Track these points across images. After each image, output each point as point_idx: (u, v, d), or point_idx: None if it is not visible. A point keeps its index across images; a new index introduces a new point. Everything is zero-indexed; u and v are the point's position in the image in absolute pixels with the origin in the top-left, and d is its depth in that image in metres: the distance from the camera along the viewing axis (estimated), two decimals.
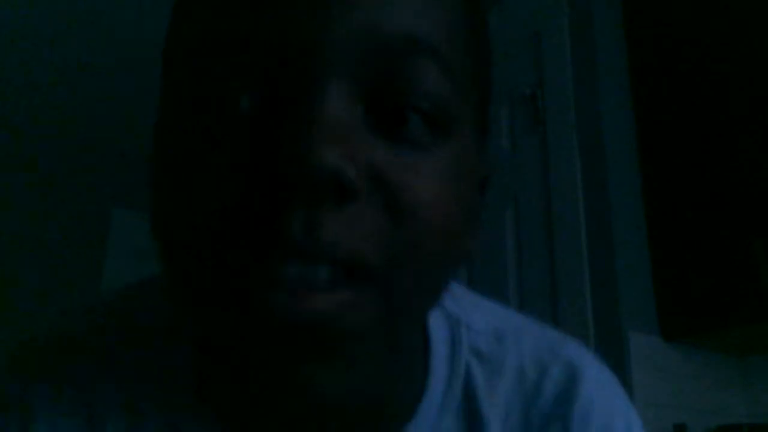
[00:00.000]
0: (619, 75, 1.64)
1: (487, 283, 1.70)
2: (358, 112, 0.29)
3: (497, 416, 0.40)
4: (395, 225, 0.28)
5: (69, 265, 2.75)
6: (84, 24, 2.18)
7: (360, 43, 0.28)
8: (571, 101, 1.61)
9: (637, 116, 1.61)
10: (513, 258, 1.67)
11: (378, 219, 0.28)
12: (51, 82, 2.51)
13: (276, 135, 0.27)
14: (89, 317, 0.46)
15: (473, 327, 0.43)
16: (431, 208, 0.29)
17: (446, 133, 0.31)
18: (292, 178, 0.26)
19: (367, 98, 0.29)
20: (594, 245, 1.49)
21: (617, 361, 1.38)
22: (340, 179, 0.26)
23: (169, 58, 0.34)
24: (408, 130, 0.29)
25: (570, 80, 1.63)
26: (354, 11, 0.28)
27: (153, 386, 0.40)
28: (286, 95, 0.28)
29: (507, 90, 1.81)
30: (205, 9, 0.30)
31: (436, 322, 0.43)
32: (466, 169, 0.33)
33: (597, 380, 0.43)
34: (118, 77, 2.47)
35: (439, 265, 0.31)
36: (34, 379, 0.41)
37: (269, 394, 0.30)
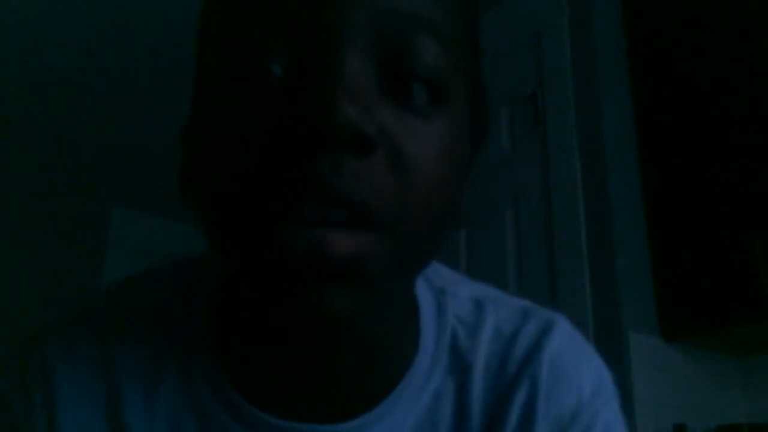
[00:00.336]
0: (619, 75, 1.64)
1: (487, 282, 1.70)
2: (372, 77, 0.33)
3: (479, 368, 0.45)
4: (401, 182, 0.33)
5: (69, 265, 2.75)
6: (84, 24, 2.18)
7: (374, 19, 0.33)
8: (571, 101, 1.62)
9: (637, 116, 1.61)
10: (513, 258, 1.67)
11: (386, 175, 0.33)
12: (51, 82, 2.51)
13: (305, 94, 0.31)
14: (106, 295, 0.50)
15: (456, 295, 0.49)
16: (431, 170, 0.34)
17: (444, 100, 0.36)
18: (320, 130, 0.30)
19: (378, 66, 0.34)
20: (594, 245, 1.49)
21: (617, 361, 1.38)
22: (361, 133, 0.31)
23: (206, 35, 0.39)
24: (412, 98, 0.34)
25: (570, 80, 1.63)
26: (376, 15, 0.33)
27: (170, 356, 0.44)
28: (312, 62, 0.33)
29: (507, 90, 1.81)
30: None
31: (423, 292, 0.48)
32: (460, 133, 0.38)
33: (566, 333, 0.47)
34: (118, 77, 2.47)
35: (437, 217, 0.36)
36: (54, 350, 0.44)
37: (294, 316, 0.34)
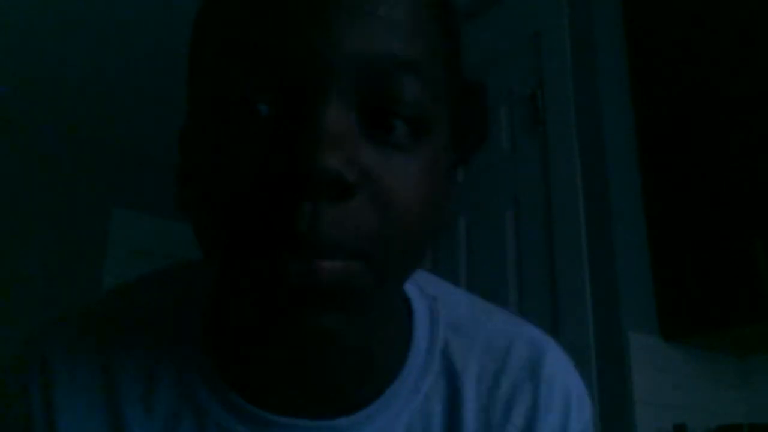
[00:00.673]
0: (619, 75, 1.64)
1: (487, 283, 1.70)
2: (353, 121, 0.35)
3: (471, 377, 0.47)
4: (383, 216, 0.35)
5: (69, 265, 2.75)
6: (85, 24, 2.18)
7: (354, 62, 0.34)
8: (571, 101, 1.61)
9: (637, 116, 1.61)
10: (513, 258, 1.67)
11: (369, 212, 0.35)
12: (51, 82, 2.51)
13: (289, 141, 0.33)
14: (105, 299, 0.51)
15: (448, 303, 0.51)
16: (413, 201, 0.36)
17: (426, 133, 0.37)
18: (302, 178, 0.32)
19: (360, 108, 0.35)
20: (594, 245, 1.49)
21: (617, 361, 1.38)
22: (341, 180, 0.33)
23: (196, 66, 0.40)
24: (394, 136, 0.36)
25: (570, 80, 1.63)
26: (350, 37, 0.34)
27: (168, 358, 0.45)
28: (296, 108, 0.34)
29: (507, 90, 1.81)
30: (228, 28, 0.37)
31: (416, 298, 0.50)
32: (441, 161, 0.39)
33: (558, 357, 0.51)
34: (118, 77, 2.47)
35: (419, 240, 0.38)
36: (53, 351, 0.46)
37: (289, 334, 0.37)
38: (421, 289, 0.51)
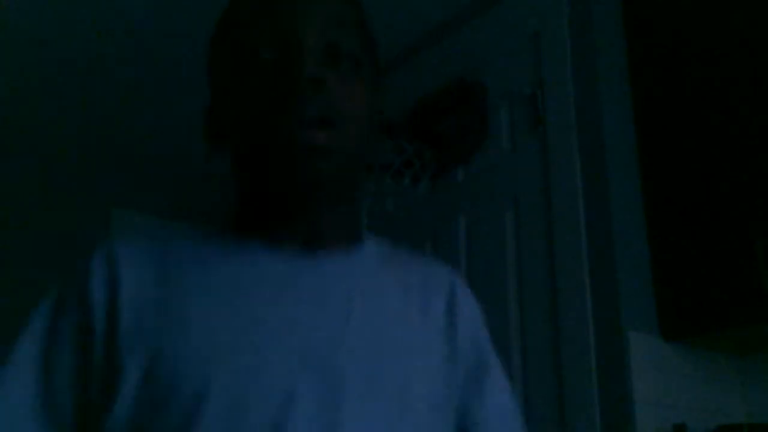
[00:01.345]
0: (619, 75, 1.64)
1: (487, 282, 1.70)
2: (324, 57, 0.64)
3: (411, 260, 0.77)
4: (341, 104, 0.63)
5: (69, 265, 2.75)
6: (85, 23, 2.18)
7: (323, 36, 0.65)
8: (571, 101, 1.62)
9: (637, 116, 1.61)
10: (513, 258, 1.67)
11: (334, 100, 0.62)
12: (51, 82, 2.51)
13: (292, 70, 0.62)
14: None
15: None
16: (356, 98, 0.65)
17: (359, 70, 0.67)
18: (305, 83, 0.61)
19: (326, 50, 0.64)
20: (594, 245, 1.49)
21: (617, 361, 1.38)
22: (321, 80, 0.61)
23: (217, 46, 0.71)
24: (343, 68, 0.65)
25: (570, 80, 1.63)
26: (321, 24, 0.65)
27: (209, 235, 0.69)
28: (290, 55, 0.63)
29: (507, 90, 1.81)
30: (246, 17, 0.67)
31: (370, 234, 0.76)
32: (368, 86, 0.68)
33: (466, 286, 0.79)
34: (119, 77, 2.47)
35: (362, 125, 0.66)
36: (115, 240, 0.67)
37: (299, 177, 0.62)
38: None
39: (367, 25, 0.71)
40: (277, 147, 0.61)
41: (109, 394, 0.58)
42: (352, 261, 0.69)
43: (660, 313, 1.47)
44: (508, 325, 1.61)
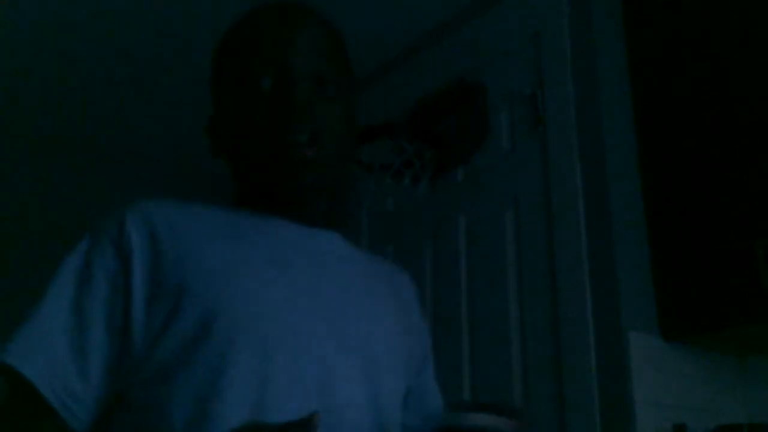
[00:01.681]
0: (619, 75, 1.64)
1: (487, 283, 1.70)
2: (311, 87, 0.77)
3: (372, 256, 0.94)
4: (325, 125, 0.77)
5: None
6: (85, 24, 2.18)
7: (310, 66, 0.78)
8: (571, 101, 1.61)
9: (636, 116, 1.61)
10: (513, 258, 1.67)
11: (320, 123, 0.76)
12: (52, 83, 2.51)
13: (286, 101, 0.76)
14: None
15: None
16: (337, 121, 0.79)
17: (339, 92, 0.80)
18: (297, 110, 0.75)
19: (312, 80, 0.77)
20: (594, 245, 1.49)
21: (617, 361, 1.38)
22: (307, 113, 0.76)
23: (220, 68, 0.84)
24: (328, 89, 0.79)
25: (570, 80, 1.63)
26: (308, 55, 0.78)
27: (214, 208, 0.80)
28: (284, 84, 0.76)
29: (507, 90, 1.81)
30: (245, 46, 0.80)
31: None
32: (348, 108, 0.82)
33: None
34: (119, 77, 2.47)
35: (343, 143, 0.80)
36: (126, 207, 0.77)
37: (290, 187, 0.77)
38: None
39: (345, 51, 0.85)
40: (274, 162, 0.75)
41: (148, 336, 0.67)
42: (340, 240, 0.85)
43: (660, 313, 1.47)
44: (508, 325, 1.61)
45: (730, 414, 1.50)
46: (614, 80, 1.63)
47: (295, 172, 0.75)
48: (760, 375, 1.55)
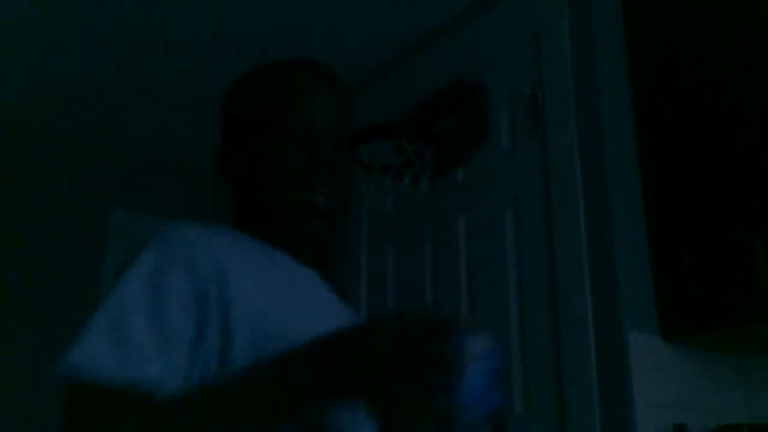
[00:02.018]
0: (619, 75, 1.64)
1: (487, 283, 1.70)
2: (333, 146, 0.86)
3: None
4: (339, 178, 0.86)
5: (69, 265, 2.75)
6: (85, 26, 2.18)
7: (332, 125, 0.87)
8: (571, 101, 1.61)
9: (636, 116, 1.61)
10: (513, 258, 1.67)
11: (331, 182, 0.85)
12: (52, 84, 2.51)
13: (315, 159, 0.85)
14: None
15: None
16: (346, 172, 0.89)
17: (346, 146, 0.90)
18: (322, 168, 0.85)
19: (330, 136, 0.86)
20: (594, 245, 1.49)
21: (617, 361, 1.38)
22: (335, 160, 0.86)
23: (245, 108, 0.89)
24: (339, 145, 0.88)
25: (570, 80, 1.63)
26: (332, 115, 0.87)
27: (236, 240, 0.83)
28: (314, 140, 0.86)
29: (507, 90, 1.81)
30: (275, 98, 0.88)
31: None
32: (351, 162, 1.03)
33: None
34: (119, 77, 2.47)
35: (345, 198, 0.87)
36: (187, 225, 0.78)
37: (303, 234, 0.85)
38: None
39: (353, 108, 0.93)
40: (292, 209, 0.83)
41: (211, 349, 0.71)
42: (319, 279, 0.92)
43: (660, 313, 1.47)
44: (508, 324, 1.61)
45: (730, 414, 1.50)
46: (614, 80, 1.63)
47: (309, 221, 0.83)
48: (760, 375, 1.55)
